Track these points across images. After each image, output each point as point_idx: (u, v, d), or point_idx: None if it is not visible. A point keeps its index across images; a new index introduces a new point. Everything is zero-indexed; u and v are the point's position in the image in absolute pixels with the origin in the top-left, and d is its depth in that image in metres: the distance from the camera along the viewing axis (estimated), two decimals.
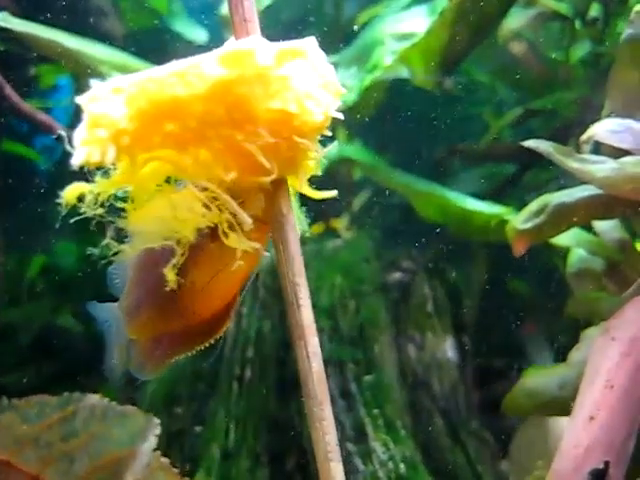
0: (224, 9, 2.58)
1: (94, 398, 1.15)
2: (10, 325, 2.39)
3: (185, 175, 0.87)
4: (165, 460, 1.11)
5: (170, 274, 0.86)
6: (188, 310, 0.97)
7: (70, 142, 0.80)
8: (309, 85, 0.88)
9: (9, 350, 2.38)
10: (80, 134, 0.79)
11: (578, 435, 1.16)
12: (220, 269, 0.92)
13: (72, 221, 0.86)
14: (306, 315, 0.95)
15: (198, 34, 2.75)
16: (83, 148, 0.79)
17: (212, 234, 0.90)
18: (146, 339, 1.02)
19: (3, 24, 1.91)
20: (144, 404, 1.92)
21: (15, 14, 1.98)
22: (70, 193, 0.85)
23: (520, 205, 1.75)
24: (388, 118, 2.45)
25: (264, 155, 0.86)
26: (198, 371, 1.95)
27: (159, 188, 0.89)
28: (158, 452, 1.11)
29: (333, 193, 1.01)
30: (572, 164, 1.34)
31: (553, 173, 2.24)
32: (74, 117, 2.70)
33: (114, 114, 0.79)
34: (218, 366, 1.93)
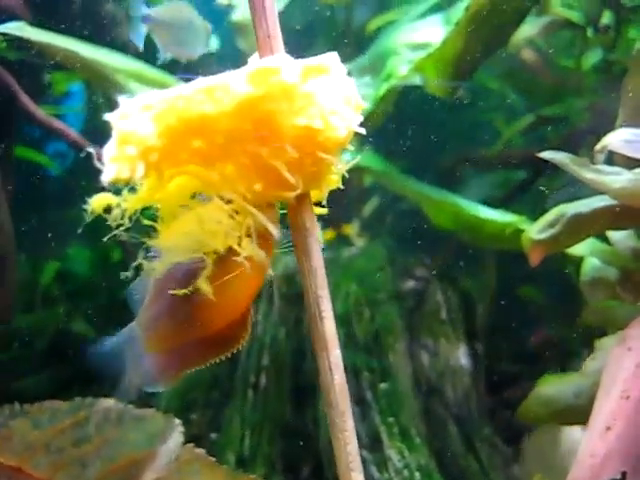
0: (235, 16, 2.60)
1: (109, 402, 1.16)
2: (24, 331, 2.40)
3: (211, 190, 0.88)
4: (200, 451, 1.11)
5: (203, 285, 0.88)
6: (201, 321, 0.98)
7: (99, 159, 0.81)
8: (333, 101, 0.90)
9: (24, 356, 2.39)
10: (109, 151, 0.81)
11: (595, 445, 1.17)
12: (226, 281, 0.93)
13: (106, 238, 0.87)
14: (329, 327, 0.97)
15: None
16: (113, 165, 0.80)
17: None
18: (161, 352, 1.03)
19: (19, 33, 1.93)
20: (160, 411, 1.93)
21: (31, 23, 2.00)
22: (97, 203, 0.86)
23: (531, 212, 1.75)
24: (399, 125, 2.46)
25: (289, 170, 0.87)
26: (213, 378, 1.96)
27: (185, 203, 0.90)
28: (190, 445, 1.11)
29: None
30: (587, 175, 1.35)
31: (564, 180, 2.24)
32: (86, 124, 2.72)
33: (143, 131, 0.81)
34: (233, 373, 1.94)
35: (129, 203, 0.87)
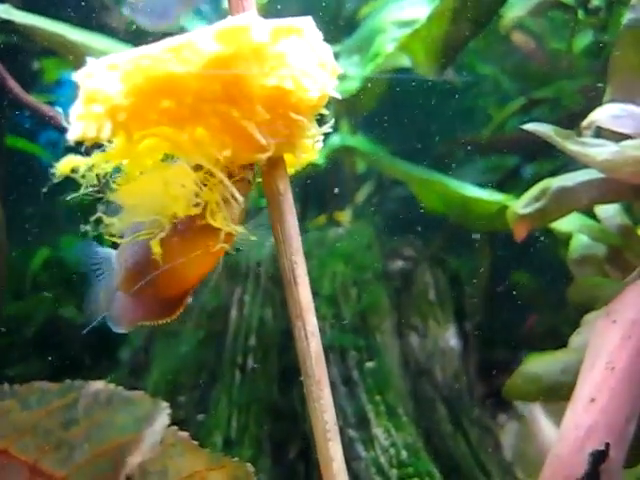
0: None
1: (98, 384, 1.15)
2: (14, 318, 2.40)
3: (181, 152, 0.87)
4: (183, 434, 1.11)
5: (155, 246, 0.87)
6: (154, 281, 0.98)
7: (66, 120, 0.80)
8: (305, 63, 0.89)
9: (13, 343, 2.39)
10: (76, 110, 0.79)
11: (579, 417, 1.16)
12: (191, 250, 0.92)
13: (69, 198, 0.87)
14: (304, 294, 0.95)
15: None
16: (79, 123, 0.79)
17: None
18: (127, 295, 1.03)
19: (5, 16, 1.91)
20: (147, 393, 1.93)
21: (17, 6, 1.98)
22: (64, 165, 0.85)
23: None
24: (391, 110, 2.44)
25: (260, 132, 0.86)
26: (201, 360, 1.95)
27: (154, 165, 0.89)
28: (174, 428, 1.10)
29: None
30: (572, 147, 1.34)
31: (557, 164, 2.23)
32: None
33: (110, 90, 0.79)
34: (221, 354, 1.93)
35: (96, 160, 0.86)
